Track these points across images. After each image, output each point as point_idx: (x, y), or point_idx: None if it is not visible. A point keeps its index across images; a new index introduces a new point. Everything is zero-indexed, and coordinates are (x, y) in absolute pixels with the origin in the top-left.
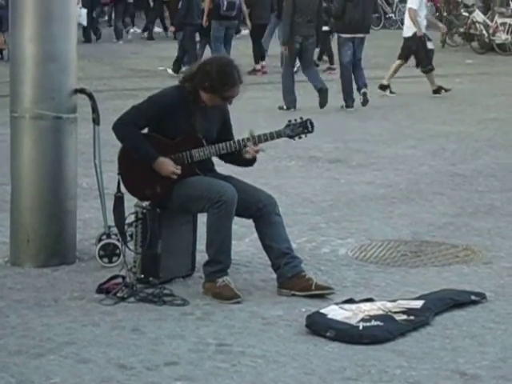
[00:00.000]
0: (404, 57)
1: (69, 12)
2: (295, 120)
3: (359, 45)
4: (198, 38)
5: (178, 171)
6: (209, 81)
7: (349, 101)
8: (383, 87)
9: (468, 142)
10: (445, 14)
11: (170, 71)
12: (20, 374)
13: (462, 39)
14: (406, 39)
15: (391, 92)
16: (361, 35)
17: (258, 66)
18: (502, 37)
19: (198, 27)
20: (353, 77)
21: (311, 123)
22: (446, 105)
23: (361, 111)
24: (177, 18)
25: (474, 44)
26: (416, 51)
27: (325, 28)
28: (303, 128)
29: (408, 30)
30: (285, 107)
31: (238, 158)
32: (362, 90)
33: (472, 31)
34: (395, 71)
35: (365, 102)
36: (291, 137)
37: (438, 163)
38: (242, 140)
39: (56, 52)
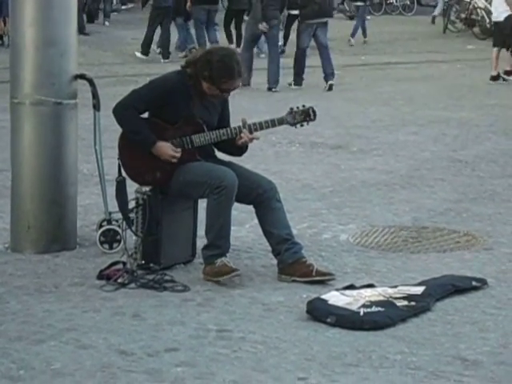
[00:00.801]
0: (499, 42)
1: None
2: (297, 107)
3: (322, 29)
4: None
5: (178, 154)
6: (208, 70)
7: (298, 80)
8: (495, 78)
9: (469, 128)
10: None
11: (138, 54)
12: (20, 360)
13: (464, 25)
14: (497, 24)
15: (504, 79)
16: (324, 19)
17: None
18: None
19: (165, 10)
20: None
21: (314, 111)
22: (446, 90)
23: (362, 97)
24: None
25: (476, 30)
26: (509, 34)
27: (294, 12)
28: (305, 116)
29: (500, 14)
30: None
31: (231, 145)
32: (329, 82)
33: (473, 17)
34: (497, 59)
35: (329, 90)
36: (293, 124)
37: (439, 149)
38: (244, 126)
39: (56, 37)
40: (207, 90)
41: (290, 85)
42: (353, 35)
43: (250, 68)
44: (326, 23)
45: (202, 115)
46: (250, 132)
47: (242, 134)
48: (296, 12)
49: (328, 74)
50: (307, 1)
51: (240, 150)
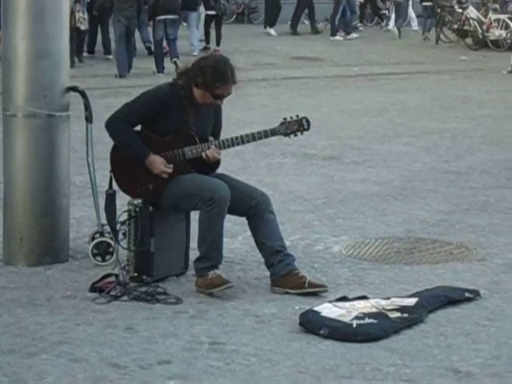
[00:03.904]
0: None
1: (61, 9)
2: (291, 118)
3: (172, 25)
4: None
5: (169, 170)
6: (202, 76)
7: (159, 68)
8: None
9: (462, 139)
10: (438, 10)
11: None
12: (13, 374)
13: (456, 35)
14: None
15: None
16: (171, 16)
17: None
18: (495, 33)
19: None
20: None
21: (307, 121)
22: (439, 101)
23: (354, 108)
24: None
25: (468, 40)
26: None
27: (211, 12)
28: (298, 126)
29: None
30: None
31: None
32: (173, 59)
33: (466, 27)
34: None
35: (176, 68)
36: (286, 135)
37: (431, 160)
38: (236, 138)
39: (48, 49)
40: (200, 98)
41: (154, 73)
42: (429, 30)
43: (124, 61)
44: (174, 20)
45: (195, 127)
46: (220, 148)
47: (209, 152)
48: (212, 12)
49: (173, 56)
50: (155, 1)
51: (210, 167)
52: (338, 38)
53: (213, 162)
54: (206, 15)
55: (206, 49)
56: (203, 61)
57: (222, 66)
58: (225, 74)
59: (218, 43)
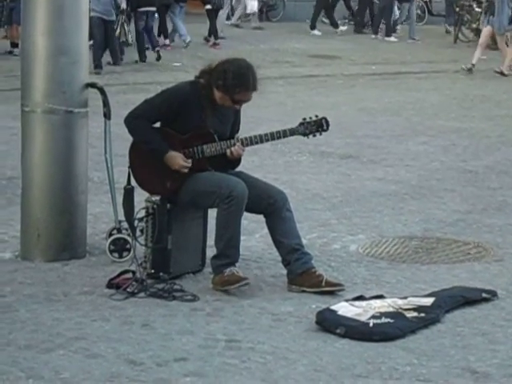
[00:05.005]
0: None
1: (80, 5)
2: (310, 118)
3: (151, 17)
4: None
5: (188, 164)
6: (223, 80)
7: (142, 57)
8: None
9: (479, 139)
10: (457, 9)
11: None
12: (29, 369)
13: (475, 35)
14: None
15: None
16: (152, 9)
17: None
18: None
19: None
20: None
21: (326, 121)
22: (457, 101)
23: (372, 107)
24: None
25: None
26: None
27: (208, 7)
28: (318, 126)
29: None
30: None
31: (226, 158)
32: (156, 49)
33: None
34: None
35: (159, 58)
36: (305, 135)
37: (449, 159)
38: (255, 137)
39: (67, 46)
40: (219, 99)
41: (136, 62)
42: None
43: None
44: (154, 12)
45: (214, 126)
46: (246, 145)
47: (233, 148)
48: (209, 6)
49: (154, 46)
50: None
51: (231, 164)
52: (392, 39)
53: (234, 160)
54: (207, 10)
55: (215, 45)
56: (227, 64)
57: (245, 73)
58: (246, 80)
59: (209, 34)
